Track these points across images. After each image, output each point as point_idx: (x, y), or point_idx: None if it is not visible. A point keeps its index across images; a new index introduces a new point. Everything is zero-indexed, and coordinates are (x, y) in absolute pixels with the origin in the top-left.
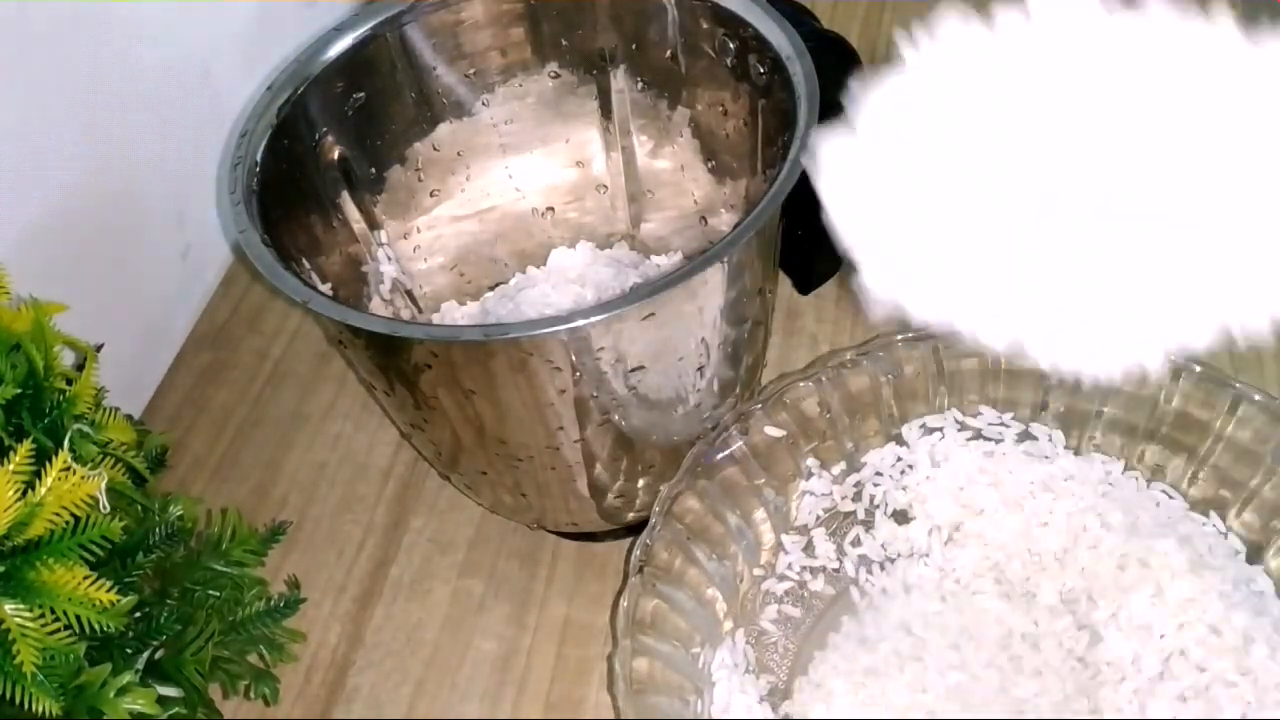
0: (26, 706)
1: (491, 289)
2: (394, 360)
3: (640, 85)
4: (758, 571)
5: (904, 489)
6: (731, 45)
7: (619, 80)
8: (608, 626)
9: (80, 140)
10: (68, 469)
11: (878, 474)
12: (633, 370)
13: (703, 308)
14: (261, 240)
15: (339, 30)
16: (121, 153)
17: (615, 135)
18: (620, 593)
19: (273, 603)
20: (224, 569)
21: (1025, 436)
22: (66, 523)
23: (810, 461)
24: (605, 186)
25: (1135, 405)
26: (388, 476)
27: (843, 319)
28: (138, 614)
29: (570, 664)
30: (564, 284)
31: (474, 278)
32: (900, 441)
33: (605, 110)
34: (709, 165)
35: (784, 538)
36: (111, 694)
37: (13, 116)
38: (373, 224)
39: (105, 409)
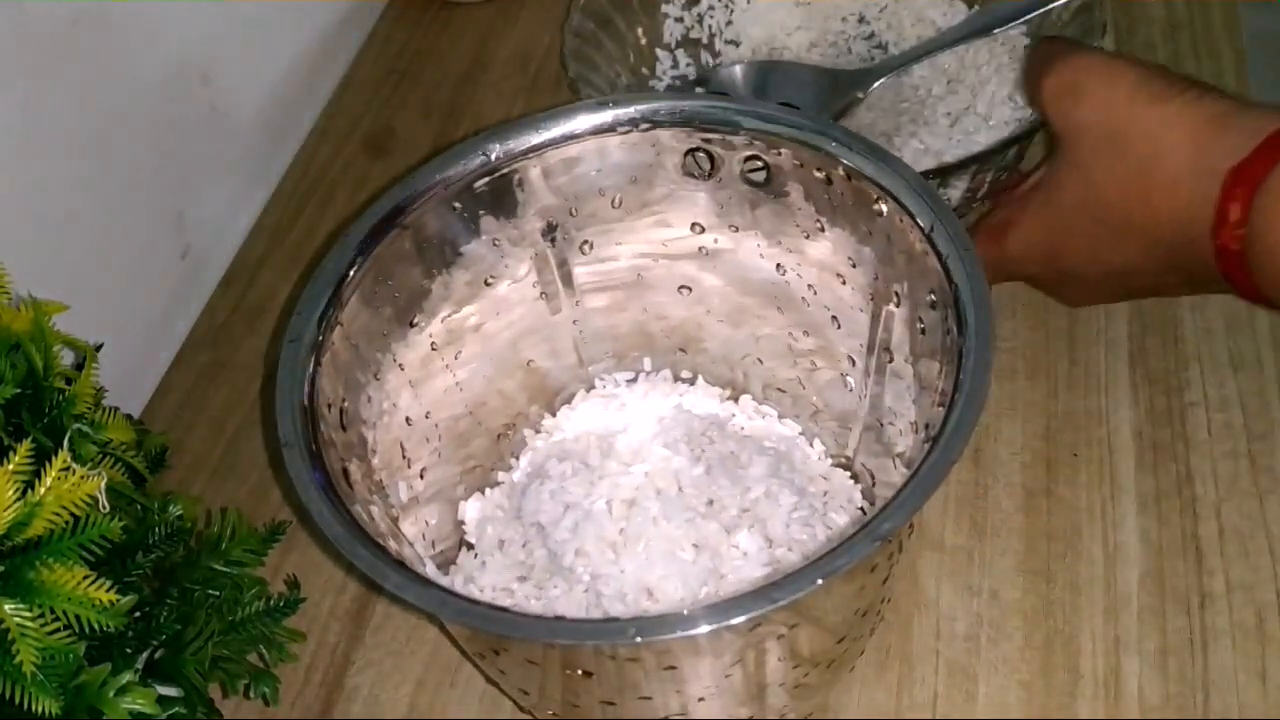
0: (26, 706)
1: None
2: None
3: None
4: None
5: (730, 23)
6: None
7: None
8: None
9: (80, 140)
10: (67, 469)
11: (711, 7)
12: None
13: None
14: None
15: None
16: (121, 153)
17: None
18: None
19: (272, 602)
20: (223, 569)
21: None
22: (66, 522)
23: None
24: None
25: None
26: None
27: None
28: (137, 614)
29: None
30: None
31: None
32: None
33: None
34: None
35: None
36: (111, 694)
37: (13, 117)
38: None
39: (105, 409)
